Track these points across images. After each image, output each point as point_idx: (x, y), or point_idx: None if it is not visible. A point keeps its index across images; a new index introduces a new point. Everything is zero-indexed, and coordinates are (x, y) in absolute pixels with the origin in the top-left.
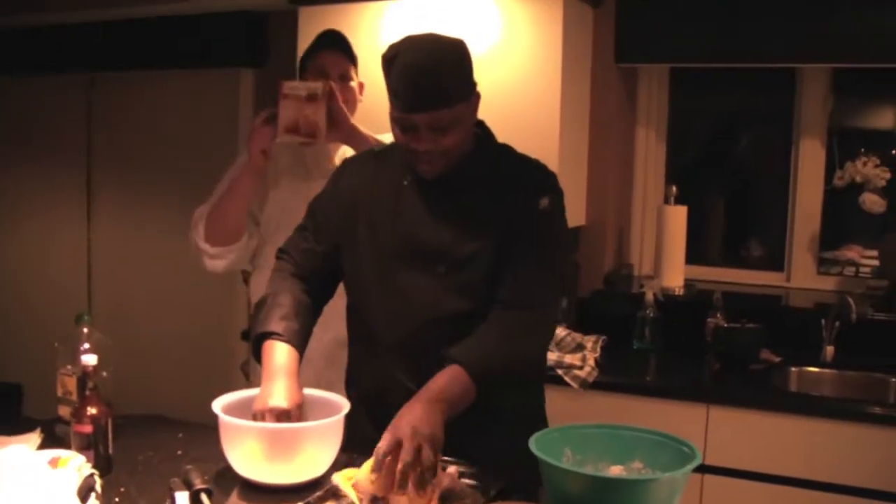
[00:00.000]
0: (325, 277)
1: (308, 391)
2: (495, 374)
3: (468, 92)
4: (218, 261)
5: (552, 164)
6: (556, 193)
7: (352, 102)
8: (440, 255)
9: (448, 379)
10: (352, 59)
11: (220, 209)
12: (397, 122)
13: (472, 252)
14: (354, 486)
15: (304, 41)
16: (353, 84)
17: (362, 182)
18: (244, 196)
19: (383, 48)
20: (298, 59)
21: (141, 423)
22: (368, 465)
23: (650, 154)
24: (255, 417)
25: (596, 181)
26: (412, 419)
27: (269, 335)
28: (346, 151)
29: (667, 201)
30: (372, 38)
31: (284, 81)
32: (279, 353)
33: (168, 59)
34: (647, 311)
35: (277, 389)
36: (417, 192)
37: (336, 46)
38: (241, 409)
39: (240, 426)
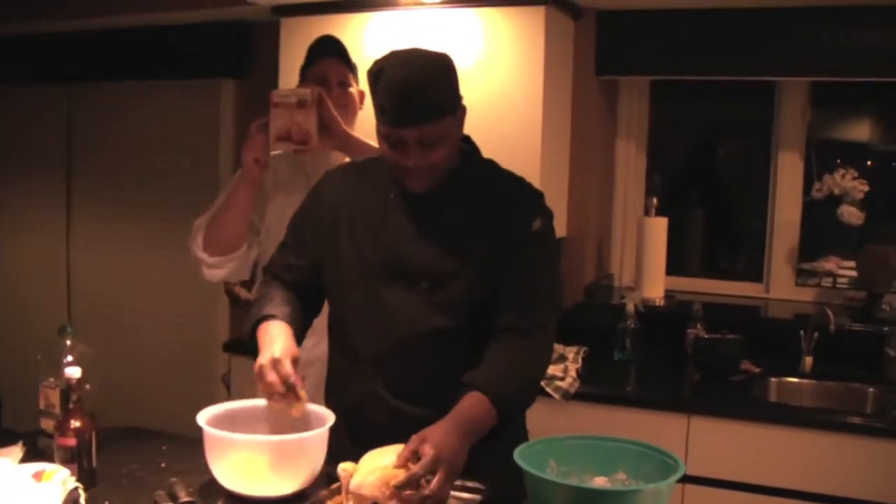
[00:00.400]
0: (311, 291)
1: None
2: (512, 401)
3: (455, 105)
4: (216, 270)
5: (534, 175)
6: (547, 214)
7: (351, 109)
8: (424, 271)
9: (477, 407)
10: (350, 65)
11: (218, 220)
12: (385, 137)
13: (456, 269)
14: (356, 488)
15: (287, 52)
16: (353, 91)
17: (345, 194)
18: (241, 206)
19: (366, 60)
20: (280, 70)
21: (124, 436)
22: (373, 468)
23: (630, 165)
24: (258, 378)
25: (577, 193)
26: (453, 452)
27: (263, 319)
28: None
29: (647, 213)
30: (355, 49)
31: (273, 91)
32: (273, 328)
33: (148, 69)
34: (628, 322)
35: (273, 348)
36: (403, 207)
37: (334, 53)
38: (225, 422)
39: (224, 439)
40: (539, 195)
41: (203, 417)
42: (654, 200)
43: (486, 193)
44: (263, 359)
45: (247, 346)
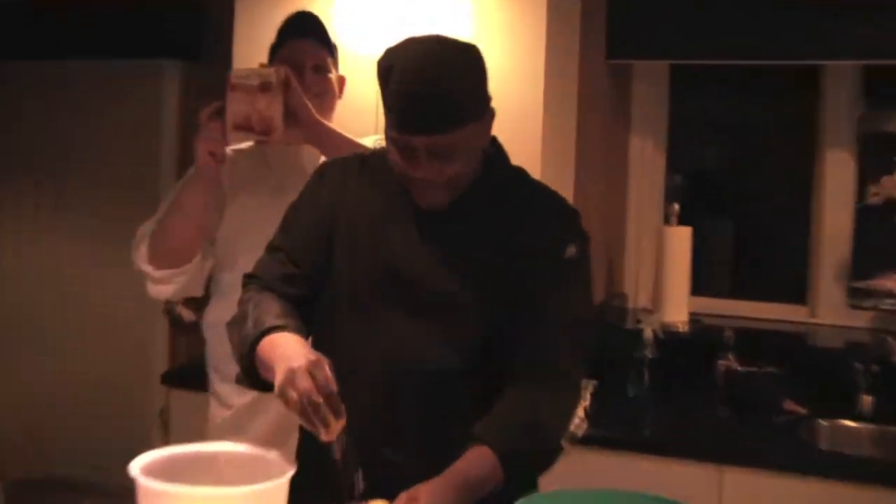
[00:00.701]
0: (308, 307)
1: (251, 449)
2: (523, 460)
3: (480, 110)
4: (164, 286)
5: (533, 176)
6: (583, 238)
7: (328, 98)
8: (432, 297)
9: (480, 465)
10: (328, 47)
11: (166, 226)
12: (392, 141)
13: (471, 297)
14: None
15: (242, 30)
16: (332, 76)
17: (346, 193)
18: (193, 209)
19: (335, 42)
20: (234, 50)
21: (38, 489)
22: None
23: (647, 166)
24: (283, 392)
25: (583, 197)
26: None
27: (268, 332)
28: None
29: (667, 221)
30: None
31: (231, 70)
32: (288, 338)
33: (80, 47)
34: (646, 351)
35: (303, 352)
36: (411, 216)
37: (308, 33)
38: (163, 471)
39: (163, 491)
40: (574, 214)
41: (137, 466)
42: (676, 207)
43: (511, 208)
44: (296, 362)
45: (247, 373)
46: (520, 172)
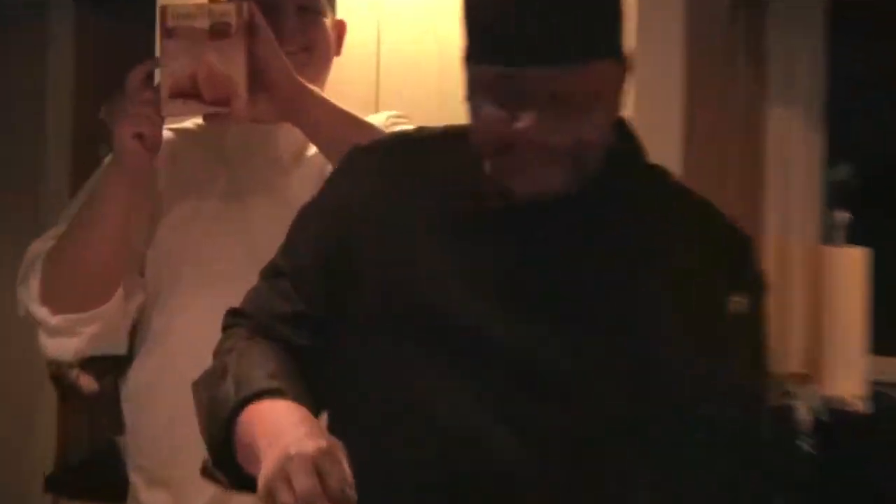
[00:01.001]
0: (321, 362)
1: None
2: None
3: (620, 45)
4: (66, 339)
5: None
6: (758, 283)
7: (320, 54)
8: (510, 362)
9: None
10: None
11: (70, 247)
12: (483, 87)
13: (574, 367)
14: None
15: None
16: (327, 21)
17: (382, 189)
18: (112, 222)
19: None
20: None
21: None
22: None
23: (795, 152)
24: (271, 491)
25: None
26: None
27: (256, 398)
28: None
29: (830, 239)
30: None
31: (166, 6)
32: (286, 407)
33: None
34: (801, 442)
35: (309, 432)
36: (497, 233)
37: None
38: None
39: None
40: (747, 245)
41: None
42: (843, 216)
43: (645, 228)
44: (296, 447)
45: (220, 458)
46: (661, 174)
